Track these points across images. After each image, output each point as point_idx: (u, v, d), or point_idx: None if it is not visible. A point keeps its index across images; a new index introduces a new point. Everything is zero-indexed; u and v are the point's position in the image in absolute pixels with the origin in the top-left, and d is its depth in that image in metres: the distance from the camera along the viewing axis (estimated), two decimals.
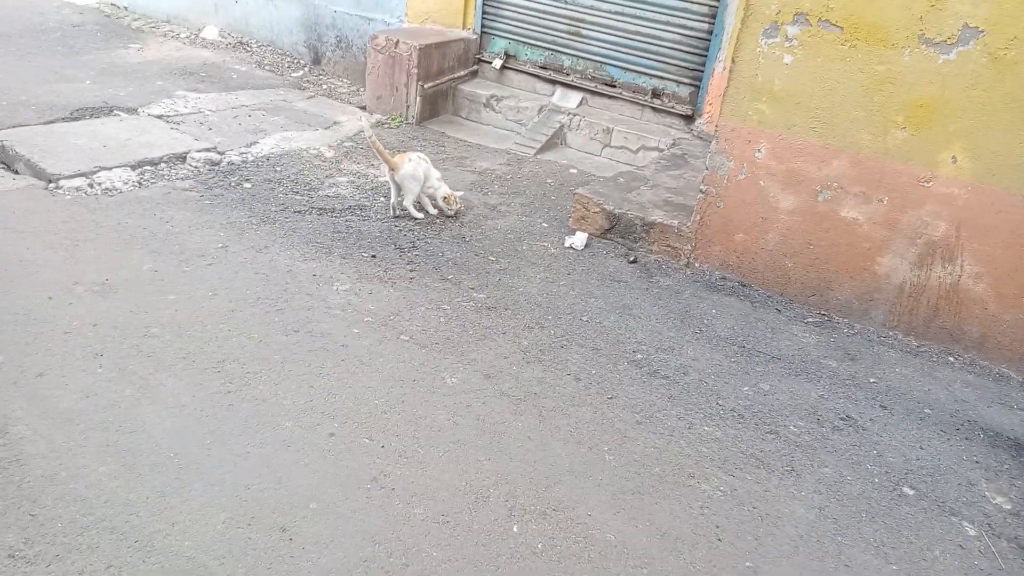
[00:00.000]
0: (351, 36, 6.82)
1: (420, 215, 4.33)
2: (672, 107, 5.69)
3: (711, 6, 5.24)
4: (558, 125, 5.93)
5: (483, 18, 6.32)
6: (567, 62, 6.12)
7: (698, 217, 4.07)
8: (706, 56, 5.39)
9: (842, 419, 3.05)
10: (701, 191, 4.02)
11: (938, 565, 2.39)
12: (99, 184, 4.11)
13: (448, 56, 6.09)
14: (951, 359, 3.60)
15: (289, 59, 7.29)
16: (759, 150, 3.79)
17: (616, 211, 4.28)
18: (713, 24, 5.25)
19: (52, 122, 4.83)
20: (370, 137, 4.11)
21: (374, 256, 3.83)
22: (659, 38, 5.57)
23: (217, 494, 2.27)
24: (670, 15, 5.43)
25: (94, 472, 2.28)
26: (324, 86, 6.73)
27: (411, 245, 4.02)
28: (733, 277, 4.08)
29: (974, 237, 3.43)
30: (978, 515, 2.62)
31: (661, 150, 5.47)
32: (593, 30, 5.85)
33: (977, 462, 2.90)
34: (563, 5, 5.91)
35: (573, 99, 6.11)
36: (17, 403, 2.50)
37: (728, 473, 2.66)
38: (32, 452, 2.32)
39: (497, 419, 2.77)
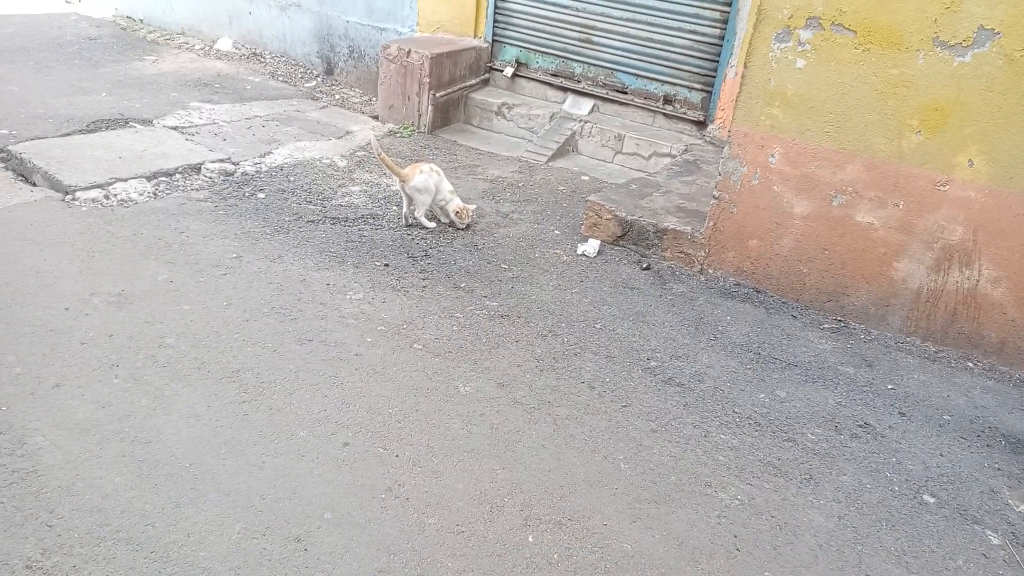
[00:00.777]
0: (363, 46, 6.86)
1: (432, 224, 4.34)
2: (684, 113, 5.68)
3: (723, 11, 5.23)
4: (570, 132, 5.93)
5: (494, 26, 6.35)
6: (578, 69, 6.13)
7: (711, 223, 4.04)
8: (718, 61, 5.38)
9: (860, 426, 3.02)
10: (714, 197, 4.00)
11: (961, 575, 2.35)
12: (115, 195, 4.16)
13: (460, 65, 6.12)
14: (970, 365, 3.56)
15: (302, 70, 7.35)
16: (772, 155, 3.76)
17: (629, 218, 4.26)
18: (725, 29, 5.25)
19: (69, 134, 4.88)
20: (377, 152, 4.08)
21: (387, 265, 3.84)
22: (670, 44, 5.56)
23: (232, 504, 2.27)
24: (681, 21, 5.43)
25: (110, 483, 2.29)
26: (337, 96, 6.77)
27: (424, 254, 4.02)
28: (747, 283, 4.05)
29: (992, 241, 3.39)
30: (1001, 523, 2.58)
31: (673, 156, 5.46)
32: (604, 37, 5.86)
33: (999, 469, 2.86)
34: (574, 13, 5.92)
35: (584, 106, 6.11)
36: (35, 414, 2.52)
37: (745, 482, 2.63)
38: (49, 463, 2.34)
39: (511, 428, 2.76)
